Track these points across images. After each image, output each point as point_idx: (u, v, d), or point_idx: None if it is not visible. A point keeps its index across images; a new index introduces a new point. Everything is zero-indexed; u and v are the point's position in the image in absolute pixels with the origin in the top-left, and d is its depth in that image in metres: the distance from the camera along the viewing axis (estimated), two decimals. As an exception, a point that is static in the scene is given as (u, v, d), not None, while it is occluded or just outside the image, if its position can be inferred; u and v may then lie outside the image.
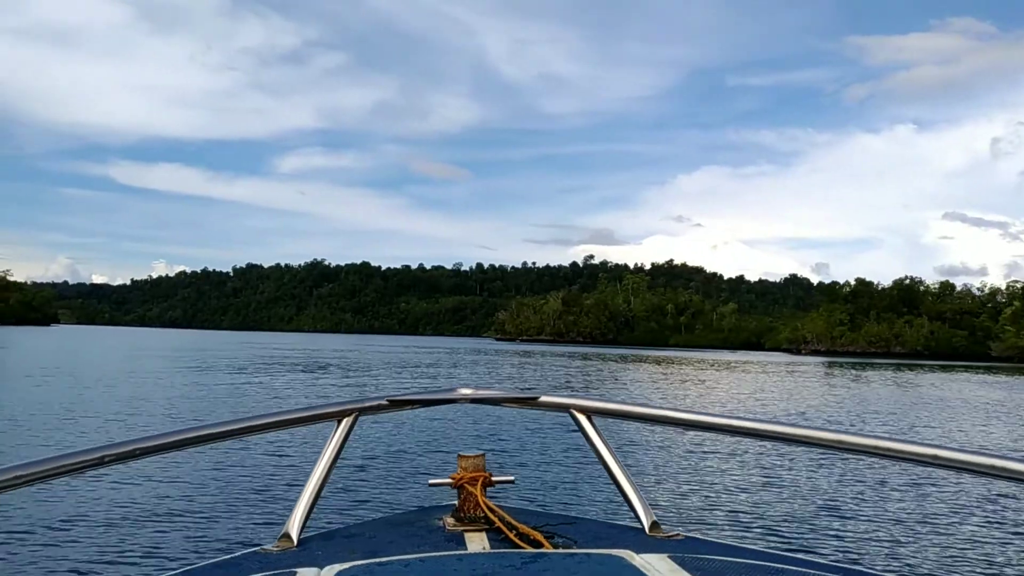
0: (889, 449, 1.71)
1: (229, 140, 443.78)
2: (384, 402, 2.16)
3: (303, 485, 1.97)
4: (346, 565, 1.43)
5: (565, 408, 2.18)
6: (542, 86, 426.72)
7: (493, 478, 2.05)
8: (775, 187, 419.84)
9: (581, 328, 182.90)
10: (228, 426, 1.93)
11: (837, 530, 8.56)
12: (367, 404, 2.12)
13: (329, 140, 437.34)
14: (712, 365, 62.10)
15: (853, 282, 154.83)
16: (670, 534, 1.93)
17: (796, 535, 8.25)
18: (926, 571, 7.16)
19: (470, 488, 2.00)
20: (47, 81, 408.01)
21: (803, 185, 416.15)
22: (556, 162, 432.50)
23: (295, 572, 1.41)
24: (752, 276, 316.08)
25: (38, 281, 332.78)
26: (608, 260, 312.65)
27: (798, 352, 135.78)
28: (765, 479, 11.42)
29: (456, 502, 2.05)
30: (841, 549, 7.74)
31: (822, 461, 12.56)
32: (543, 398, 2.23)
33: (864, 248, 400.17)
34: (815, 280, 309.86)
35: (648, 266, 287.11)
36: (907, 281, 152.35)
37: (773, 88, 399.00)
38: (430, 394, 2.31)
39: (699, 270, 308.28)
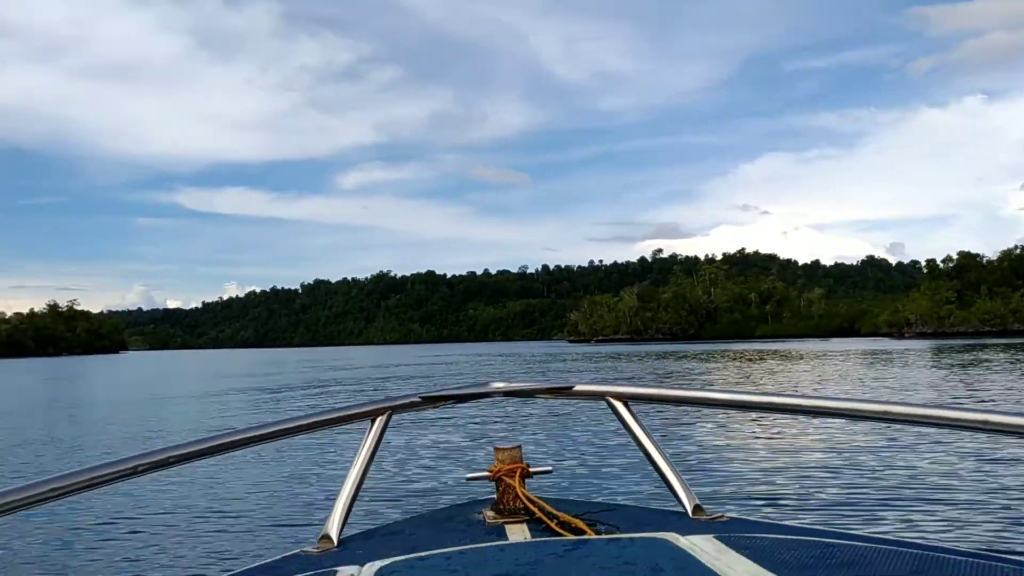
0: (936, 417, 1.64)
1: (291, 160, 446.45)
2: (417, 399, 2.11)
3: (340, 486, 1.93)
4: (386, 561, 1.42)
5: (600, 396, 2.11)
6: (597, 84, 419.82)
7: (531, 469, 2.00)
8: (841, 170, 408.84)
9: (660, 324, 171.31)
10: (262, 430, 1.90)
11: (887, 505, 7.99)
12: (401, 402, 2.08)
13: (388, 153, 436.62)
14: (808, 356, 54.27)
15: (955, 256, 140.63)
16: (714, 516, 1.89)
17: (843, 512, 7.70)
18: (979, 542, 6.52)
19: (508, 480, 1.95)
20: (114, 115, 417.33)
21: (870, 166, 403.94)
22: (616, 159, 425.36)
23: (336, 571, 1.39)
24: (827, 261, 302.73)
25: (114, 309, 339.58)
26: (677, 253, 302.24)
27: (900, 336, 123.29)
28: (808, 456, 10.92)
29: (495, 495, 2.00)
30: (891, 524, 7.17)
31: (866, 434, 12.02)
32: (578, 387, 2.16)
33: (940, 225, 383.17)
34: (893, 261, 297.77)
35: (719, 256, 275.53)
36: (1017, 251, 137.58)
37: (833, 69, 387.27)
38: (463, 389, 2.21)
39: (772, 257, 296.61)
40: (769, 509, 8.04)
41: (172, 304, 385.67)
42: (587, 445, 12.27)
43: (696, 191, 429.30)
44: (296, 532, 7.55)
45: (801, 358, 51.11)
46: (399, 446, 12.29)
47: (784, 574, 1.25)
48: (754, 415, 13.50)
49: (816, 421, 12.78)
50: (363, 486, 1.93)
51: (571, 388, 2.15)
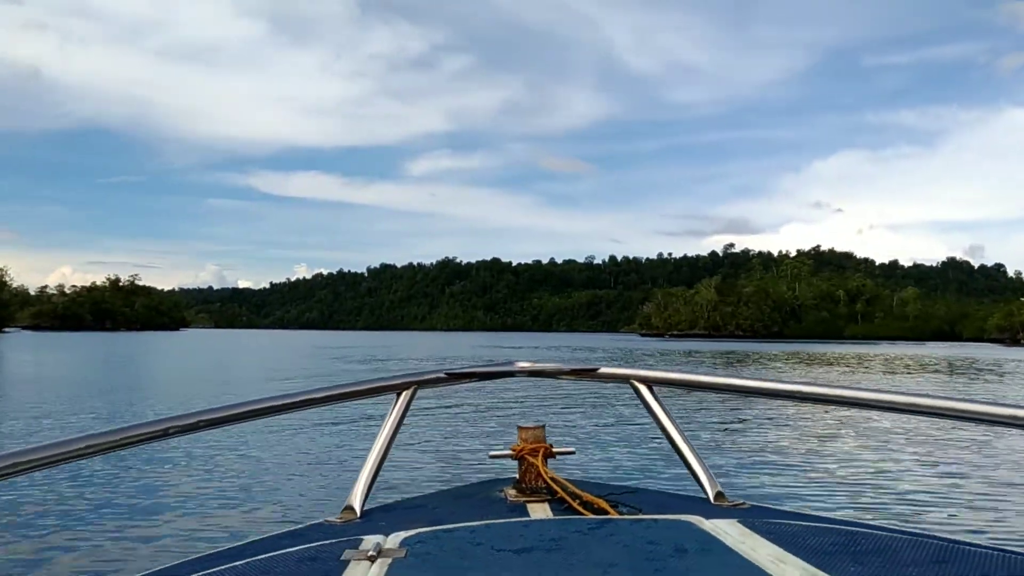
0: (961, 410, 1.58)
1: (362, 146, 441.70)
2: (443, 375, 2.10)
3: (364, 458, 1.92)
4: (411, 532, 1.41)
5: (625, 379, 2.08)
6: (670, 75, 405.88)
7: (554, 449, 2.00)
8: (919, 169, 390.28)
9: (740, 320, 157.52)
10: (290, 399, 1.90)
11: (910, 497, 7.89)
12: (426, 377, 2.07)
13: (457, 141, 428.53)
14: (914, 363, 44.00)
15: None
16: (736, 503, 1.85)
17: (866, 503, 7.61)
18: (1002, 535, 6.46)
19: (531, 459, 1.95)
20: (192, 98, 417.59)
21: (950, 165, 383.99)
22: (686, 152, 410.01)
23: (361, 539, 1.38)
24: (905, 262, 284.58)
25: (186, 287, 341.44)
26: (750, 248, 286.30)
27: (1014, 342, 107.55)
28: (831, 446, 10.77)
29: (517, 474, 2.00)
30: (915, 516, 7.09)
31: (891, 426, 11.83)
32: (603, 369, 2.14)
33: (1022, 228, 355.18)
34: (975, 263, 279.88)
35: (794, 253, 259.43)
36: None
37: (915, 65, 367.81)
38: (488, 367, 2.19)
39: (848, 255, 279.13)
40: (790, 498, 7.79)
41: (243, 284, 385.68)
42: (610, 427, 12.13)
43: (768, 186, 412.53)
44: (319, 502, 7.41)
45: (907, 365, 41.17)
46: (423, 421, 12.15)
47: (809, 559, 1.23)
48: (779, 403, 12.97)
49: (841, 411, 12.43)
50: (386, 459, 1.91)
51: (596, 370, 2.12)
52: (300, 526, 1.75)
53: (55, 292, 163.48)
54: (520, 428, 2.00)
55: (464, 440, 11.02)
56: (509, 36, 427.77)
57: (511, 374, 2.14)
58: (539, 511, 1.79)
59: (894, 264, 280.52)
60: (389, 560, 1.26)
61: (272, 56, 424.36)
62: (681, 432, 1.95)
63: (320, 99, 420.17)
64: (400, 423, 1.95)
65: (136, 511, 7.12)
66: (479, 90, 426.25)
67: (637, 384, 2.02)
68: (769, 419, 12.97)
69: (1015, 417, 1.48)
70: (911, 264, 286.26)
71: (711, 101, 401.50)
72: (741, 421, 12.86)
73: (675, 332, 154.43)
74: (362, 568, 1.24)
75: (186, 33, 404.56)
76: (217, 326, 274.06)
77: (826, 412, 12.91)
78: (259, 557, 1.37)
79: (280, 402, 1.85)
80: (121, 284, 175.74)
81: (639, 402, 2.04)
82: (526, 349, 61.80)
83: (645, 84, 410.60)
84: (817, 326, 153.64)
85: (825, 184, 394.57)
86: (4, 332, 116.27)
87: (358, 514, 1.80)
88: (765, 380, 1.92)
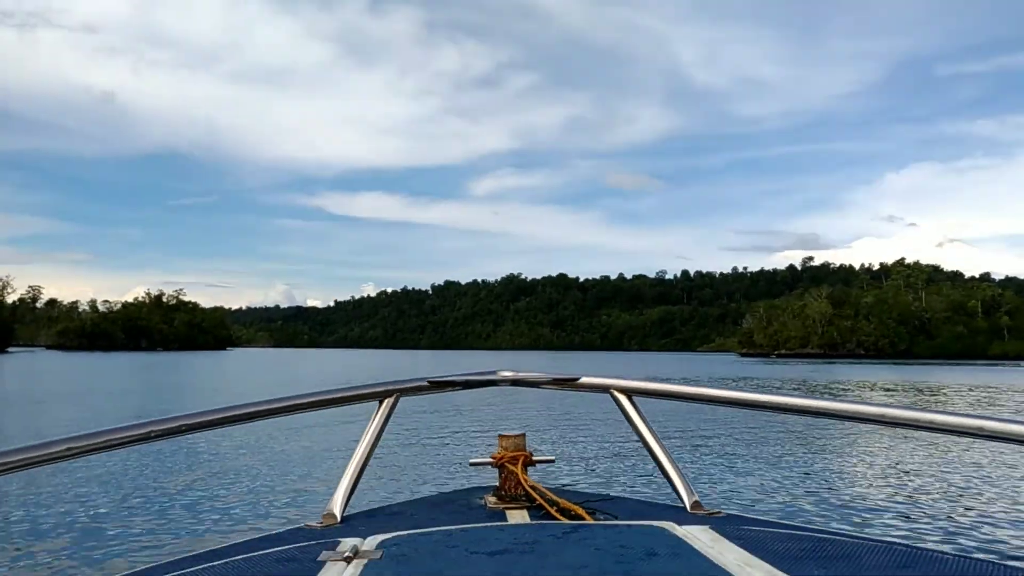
0: (933, 422, 1.57)
1: (427, 166, 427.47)
2: (425, 383, 2.06)
3: (345, 464, 1.90)
4: (389, 535, 1.41)
5: (605, 388, 2.04)
6: (738, 89, 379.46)
7: (534, 457, 1.97)
8: (997, 181, 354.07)
9: (861, 336, 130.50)
10: (273, 404, 1.86)
11: (885, 507, 7.72)
12: (408, 385, 2.04)
13: (522, 160, 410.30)
14: None
15: None
16: (712, 511, 1.84)
17: (841, 514, 7.41)
18: (972, 545, 6.37)
19: (511, 467, 1.92)
20: (261, 120, 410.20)
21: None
22: (755, 166, 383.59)
23: (339, 542, 1.37)
24: (996, 276, 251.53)
25: (255, 306, 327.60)
26: (829, 262, 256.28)
27: None
28: (809, 457, 10.63)
29: (497, 481, 1.97)
30: (889, 527, 6.90)
31: (868, 437, 11.76)
32: (583, 379, 2.09)
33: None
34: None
35: (876, 266, 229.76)
36: None
37: (992, 75, 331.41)
38: (470, 375, 2.16)
39: (937, 268, 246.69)
40: (766, 507, 7.66)
41: (311, 303, 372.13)
42: (590, 437, 11.96)
43: (838, 200, 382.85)
44: (299, 507, 7.24)
45: None
46: (405, 429, 11.87)
47: (775, 563, 1.23)
48: (756, 414, 12.78)
49: (820, 423, 11.95)
50: (367, 466, 1.89)
51: (576, 380, 2.08)
52: (279, 530, 1.71)
53: (86, 308, 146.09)
54: (501, 436, 1.96)
55: (446, 447, 10.90)
56: (574, 53, 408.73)
57: (493, 383, 2.09)
58: (517, 518, 1.76)
59: (985, 277, 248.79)
60: (364, 561, 1.26)
61: (340, 78, 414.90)
62: (660, 442, 1.92)
63: (386, 119, 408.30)
64: (382, 430, 1.91)
65: (115, 514, 6.94)
66: (544, 107, 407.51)
67: (617, 394, 1.98)
68: (748, 430, 12.76)
69: (983, 429, 1.47)
70: (1003, 277, 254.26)
71: (780, 114, 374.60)
72: (720, 432, 12.63)
73: (783, 351, 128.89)
74: (337, 569, 1.24)
75: (257, 57, 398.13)
76: (277, 345, 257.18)
77: (806, 424, 12.68)
78: (236, 559, 1.36)
79: (263, 407, 1.80)
80: (164, 299, 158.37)
81: (619, 412, 1.99)
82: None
83: (712, 98, 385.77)
84: (953, 343, 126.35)
85: (898, 197, 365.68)
86: (6, 353, 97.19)
87: (338, 519, 1.78)
88: (744, 391, 1.88)
